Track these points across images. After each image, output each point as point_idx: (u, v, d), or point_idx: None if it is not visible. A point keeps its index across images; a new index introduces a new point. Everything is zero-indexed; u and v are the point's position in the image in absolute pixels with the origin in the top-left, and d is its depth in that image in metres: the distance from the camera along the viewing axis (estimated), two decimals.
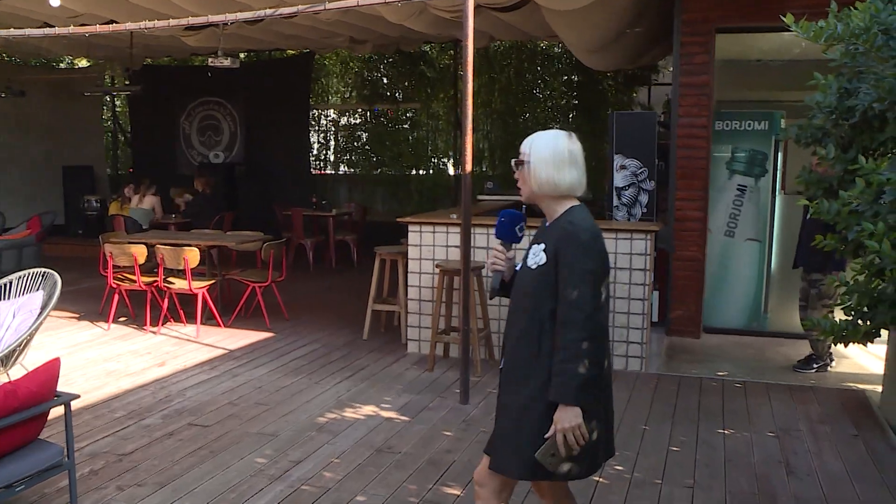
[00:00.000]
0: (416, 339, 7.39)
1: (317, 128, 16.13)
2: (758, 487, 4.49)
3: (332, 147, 16.32)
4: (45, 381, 4.00)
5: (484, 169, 14.56)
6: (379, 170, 15.65)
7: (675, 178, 7.67)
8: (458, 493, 4.36)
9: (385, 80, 15.51)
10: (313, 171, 15.65)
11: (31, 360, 6.98)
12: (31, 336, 5.57)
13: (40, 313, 5.58)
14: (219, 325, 8.28)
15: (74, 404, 5.75)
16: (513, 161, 2.96)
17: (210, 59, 9.68)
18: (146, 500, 4.27)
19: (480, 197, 10.46)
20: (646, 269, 6.68)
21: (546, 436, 2.74)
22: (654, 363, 6.90)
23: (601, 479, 4.52)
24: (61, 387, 5.73)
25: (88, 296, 9.60)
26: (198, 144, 15.38)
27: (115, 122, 17.19)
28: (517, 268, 3.01)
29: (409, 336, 7.46)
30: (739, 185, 7.91)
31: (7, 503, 4.17)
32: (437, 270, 6.90)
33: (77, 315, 8.91)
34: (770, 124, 7.81)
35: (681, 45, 7.61)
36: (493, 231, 6.85)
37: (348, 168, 16.15)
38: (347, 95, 16.17)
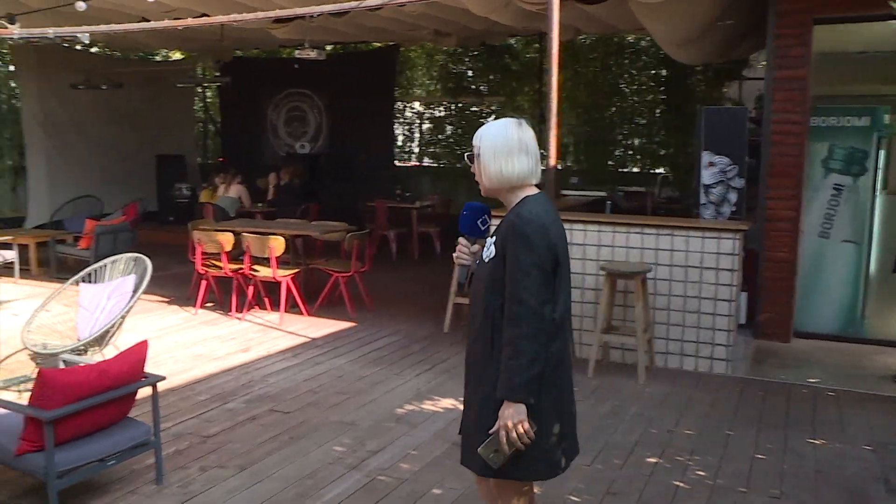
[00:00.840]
0: None
1: (401, 120, 16.23)
2: (852, 503, 4.30)
3: (416, 139, 16.39)
4: (135, 362, 4.12)
5: (569, 164, 14.41)
6: (462, 163, 15.66)
7: (766, 176, 7.43)
8: (535, 490, 4.30)
9: (470, 74, 15.48)
10: (397, 163, 15.75)
11: (123, 342, 7.20)
12: (124, 318, 5.74)
13: (132, 296, 5.74)
14: (302, 314, 8.39)
15: (161, 386, 5.91)
16: (466, 155, 2.91)
17: (297, 51, 9.86)
18: (227, 482, 4.36)
19: (564, 192, 10.34)
20: (733, 270, 6.48)
21: (490, 431, 2.68)
22: (740, 367, 6.69)
23: (682, 484, 4.41)
24: (150, 368, 5.90)
25: (178, 281, 9.86)
26: (284, 135, 15.65)
27: (206, 113, 17.63)
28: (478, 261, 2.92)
29: None
30: (836, 184, 7.59)
31: (100, 476, 4.31)
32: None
33: (167, 299, 9.16)
34: (872, 120, 7.46)
35: (775, 37, 7.34)
36: (576, 226, 6.85)
37: (432, 160, 16.19)
38: (432, 88, 16.21)
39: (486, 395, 2.75)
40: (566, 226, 6.81)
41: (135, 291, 5.79)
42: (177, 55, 16.54)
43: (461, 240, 2.96)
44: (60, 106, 13.26)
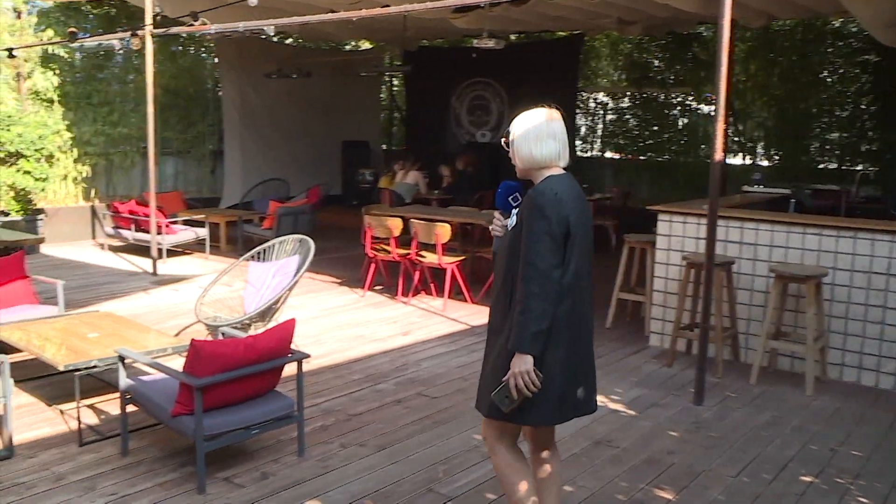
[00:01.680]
0: (658, 333, 7.11)
1: (584, 110, 15.98)
2: None
3: (598, 131, 16.09)
4: (282, 338, 4.30)
5: (758, 160, 13.67)
6: (646, 155, 15.22)
7: None
8: (671, 497, 4.12)
9: (656, 63, 14.98)
10: (579, 154, 15.54)
11: (297, 317, 7.59)
12: (286, 296, 6.03)
13: (294, 275, 6.01)
14: (466, 301, 8.48)
15: (318, 363, 6.24)
16: (502, 140, 3.23)
17: (475, 41, 9.90)
18: (364, 460, 4.48)
19: (746, 189, 9.79)
20: None
21: (503, 379, 2.99)
22: None
23: None
24: (312, 346, 6.18)
25: (352, 263, 10.24)
26: (467, 124, 15.83)
27: (391, 101, 18.15)
28: None
29: (651, 328, 7.19)
30: None
31: (246, 443, 4.56)
32: (684, 262, 6.57)
33: (339, 280, 9.54)
34: None
35: None
36: (747, 225, 6.48)
37: (614, 152, 15.85)
38: (616, 78, 15.84)
39: (501, 348, 3.08)
40: (735, 224, 6.52)
41: (297, 271, 6.05)
42: (365, 45, 17.11)
43: (496, 213, 3.27)
44: (255, 94, 14.11)
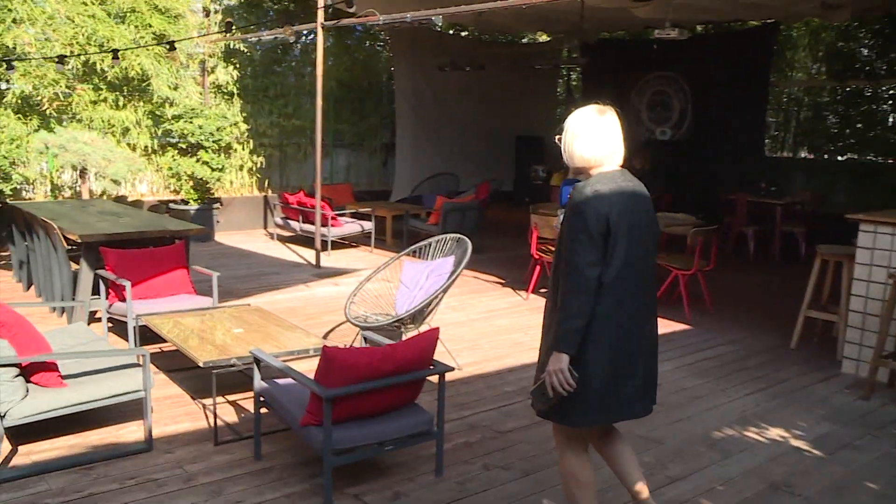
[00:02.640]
0: (854, 359, 6.22)
1: (776, 106, 14.74)
2: None
3: (792, 128, 14.80)
4: (422, 349, 3.95)
5: None
6: (845, 156, 13.82)
7: None
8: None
9: (864, 52, 13.53)
10: (768, 154, 14.36)
11: (450, 319, 7.31)
12: (439, 298, 5.68)
13: (448, 277, 5.66)
14: None
15: (471, 371, 5.87)
16: (555, 138, 3.16)
17: (657, 31, 9.24)
18: (506, 486, 4.06)
19: None
20: None
21: (541, 376, 3.01)
22: None
23: None
24: (467, 351, 5.82)
25: (518, 263, 9.83)
26: (646, 120, 15.02)
27: (568, 95, 17.57)
28: None
29: (845, 353, 6.31)
30: None
31: (381, 458, 4.25)
32: (890, 281, 5.69)
33: (502, 281, 9.15)
34: None
35: None
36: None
37: (809, 152, 14.52)
38: (814, 71, 14.48)
39: (548, 344, 3.05)
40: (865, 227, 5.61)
41: (452, 273, 5.70)
42: (542, 38, 16.63)
43: (560, 212, 3.36)
44: (428, 87, 13.97)
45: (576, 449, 3.18)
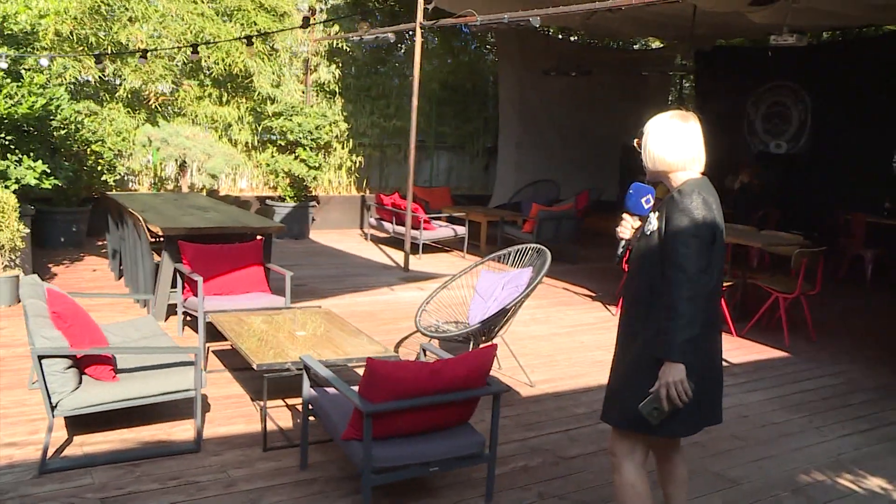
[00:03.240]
0: None
1: None
2: None
3: None
4: (476, 366, 3.72)
5: None
6: None
7: None
8: None
9: None
10: None
11: (531, 333, 7.04)
12: (514, 310, 5.43)
13: (524, 290, 5.40)
14: (730, 333, 7.39)
15: (543, 389, 5.62)
16: (634, 141, 3.11)
17: (773, 37, 8.69)
18: None
19: None
20: None
21: (650, 390, 2.86)
22: None
23: None
24: (545, 366, 5.59)
25: (611, 276, 9.46)
26: (761, 132, 14.27)
27: (679, 104, 16.92)
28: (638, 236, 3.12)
29: None
30: None
31: (430, 478, 4.04)
32: None
33: (593, 294, 8.80)
34: None
35: None
36: None
37: None
38: None
39: (637, 355, 2.97)
40: None
41: (528, 285, 5.43)
42: (655, 45, 16.08)
43: (625, 216, 3.15)
44: (534, 92, 13.66)
45: (637, 460, 3.10)
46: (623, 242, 3.19)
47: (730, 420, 5.19)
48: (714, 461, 4.56)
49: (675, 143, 3.00)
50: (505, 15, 7.92)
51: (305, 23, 9.79)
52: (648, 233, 3.01)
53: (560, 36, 15.09)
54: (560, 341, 6.87)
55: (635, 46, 16.42)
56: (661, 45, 15.73)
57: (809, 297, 7.41)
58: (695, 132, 3.03)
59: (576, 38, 15.39)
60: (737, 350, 6.93)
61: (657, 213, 3.00)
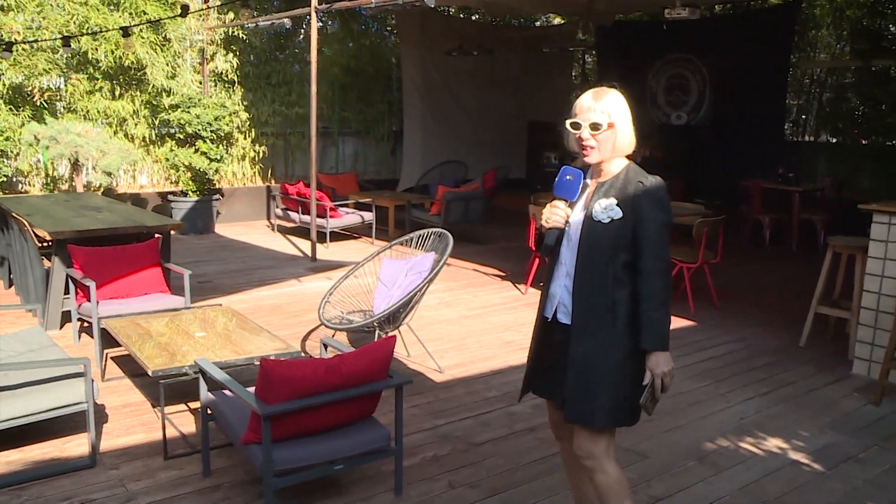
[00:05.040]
0: (865, 359, 5.82)
1: (798, 89, 14.17)
2: None
3: (814, 111, 14.24)
4: (375, 359, 3.64)
5: None
6: (871, 138, 13.23)
7: None
8: None
9: (892, 29, 12.92)
10: (788, 139, 13.83)
11: (440, 317, 7.00)
12: (417, 297, 5.37)
13: (427, 276, 5.34)
14: None
15: (452, 374, 5.57)
16: (589, 124, 2.86)
17: (666, 10, 8.82)
18: None
19: None
20: None
21: (645, 383, 2.83)
22: None
23: None
24: (454, 351, 5.51)
25: (523, 255, 9.47)
26: (663, 104, 14.52)
27: (583, 80, 17.10)
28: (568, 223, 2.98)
29: (856, 353, 5.91)
30: None
31: (340, 475, 3.95)
32: None
33: (503, 274, 8.82)
34: None
35: None
36: None
37: (832, 136, 13.96)
38: (838, 50, 13.89)
39: (605, 350, 2.85)
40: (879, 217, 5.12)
41: (431, 270, 5.38)
42: (556, 21, 16.18)
43: (557, 202, 2.97)
44: (437, 73, 13.58)
45: (613, 454, 3.00)
46: (553, 233, 2.96)
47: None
48: (624, 436, 4.58)
49: (631, 125, 2.91)
50: None
51: (185, 11, 9.43)
52: (607, 220, 2.83)
53: (461, 15, 15.03)
54: (470, 324, 6.85)
55: (536, 23, 16.48)
56: (562, 22, 15.84)
57: (712, 265, 7.57)
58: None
59: (477, 16, 15.36)
60: None
61: (614, 201, 2.83)
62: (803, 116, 14.27)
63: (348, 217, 10.42)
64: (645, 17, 14.99)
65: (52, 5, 9.69)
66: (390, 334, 4.26)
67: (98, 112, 10.43)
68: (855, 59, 13.31)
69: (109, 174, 10.06)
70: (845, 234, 6.62)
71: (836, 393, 5.45)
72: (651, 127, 14.16)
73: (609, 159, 2.91)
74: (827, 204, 11.14)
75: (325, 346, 4.32)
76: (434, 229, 5.86)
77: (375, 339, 5.20)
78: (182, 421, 4.63)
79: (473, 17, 15.32)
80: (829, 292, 6.54)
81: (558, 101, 15.91)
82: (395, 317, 5.36)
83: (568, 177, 2.96)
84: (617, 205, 2.83)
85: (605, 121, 2.84)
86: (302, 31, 12.73)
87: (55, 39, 9.57)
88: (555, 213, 2.95)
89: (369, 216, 10.47)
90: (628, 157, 2.95)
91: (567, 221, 2.95)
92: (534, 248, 7.67)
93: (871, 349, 5.76)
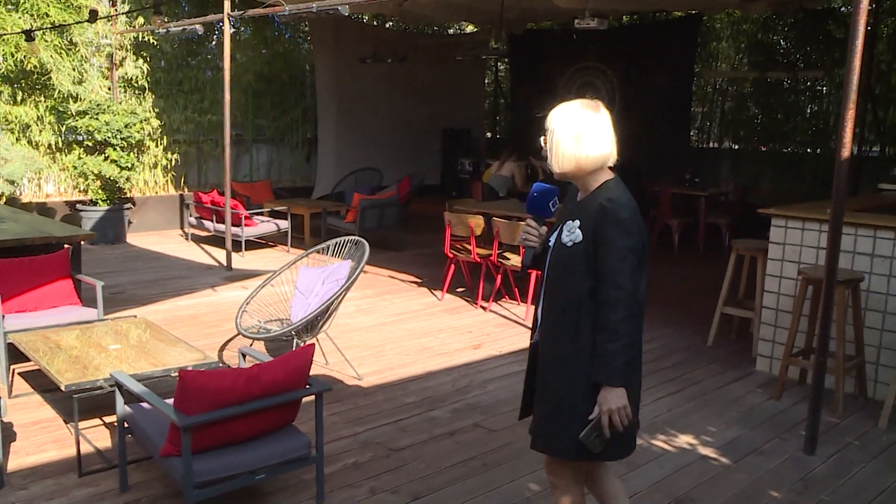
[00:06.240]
0: (767, 356, 6.11)
1: (702, 97, 14.71)
2: None
3: (717, 119, 14.80)
4: (294, 368, 3.66)
5: None
6: (769, 146, 13.83)
7: None
8: None
9: (783, 43, 13.57)
10: (694, 145, 14.34)
11: (357, 324, 7.02)
12: (335, 305, 5.39)
13: (344, 283, 5.37)
14: None
15: (372, 381, 5.61)
16: (541, 138, 2.76)
17: (576, 21, 9.04)
18: None
19: (883, 186, 8.54)
20: None
21: (590, 417, 2.67)
22: None
23: None
24: (372, 358, 5.51)
25: (438, 261, 9.56)
26: None
27: (496, 87, 17.36)
28: (549, 242, 2.85)
29: (759, 351, 6.20)
30: None
31: (262, 484, 3.95)
32: (800, 277, 5.57)
33: (419, 280, 8.89)
34: None
35: None
36: (882, 234, 5.42)
37: (734, 143, 14.52)
38: (737, 62, 14.48)
39: (571, 379, 2.73)
40: (866, 232, 5.49)
41: (348, 278, 5.41)
42: (470, 29, 16.38)
43: (529, 221, 2.89)
44: (352, 80, 13.58)
45: (580, 485, 2.96)
46: (529, 252, 2.91)
47: None
48: None
49: (588, 138, 2.68)
50: (313, 4, 7.82)
51: (93, 17, 9.21)
52: (569, 243, 2.71)
53: (375, 23, 15.07)
54: (387, 331, 6.90)
55: (450, 31, 16.64)
56: (475, 30, 16.03)
57: None
58: (607, 123, 2.74)
59: (391, 24, 15.42)
60: None
61: (577, 223, 2.70)
62: (707, 123, 14.80)
63: (263, 225, 10.34)
64: (556, 27, 15.30)
65: None
66: (308, 343, 4.28)
67: None
68: (752, 71, 13.91)
69: (13, 182, 9.73)
70: (749, 236, 6.92)
71: (740, 389, 5.71)
72: None
73: (575, 175, 2.75)
74: (731, 208, 11.59)
75: (244, 356, 4.31)
76: (350, 237, 5.90)
77: (294, 348, 5.20)
78: (97, 436, 4.54)
79: (387, 25, 15.39)
80: (733, 293, 6.83)
81: (472, 109, 16.12)
82: (312, 325, 5.37)
83: (535, 193, 2.87)
84: (580, 227, 2.69)
85: (549, 129, 2.72)
86: (215, 37, 12.56)
87: None
88: (524, 233, 2.89)
89: (285, 224, 10.41)
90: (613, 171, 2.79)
91: (545, 241, 2.89)
92: (477, 259, 7.76)
93: (773, 346, 6.05)
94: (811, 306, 5.46)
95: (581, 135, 2.68)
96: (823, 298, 4.68)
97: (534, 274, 6.83)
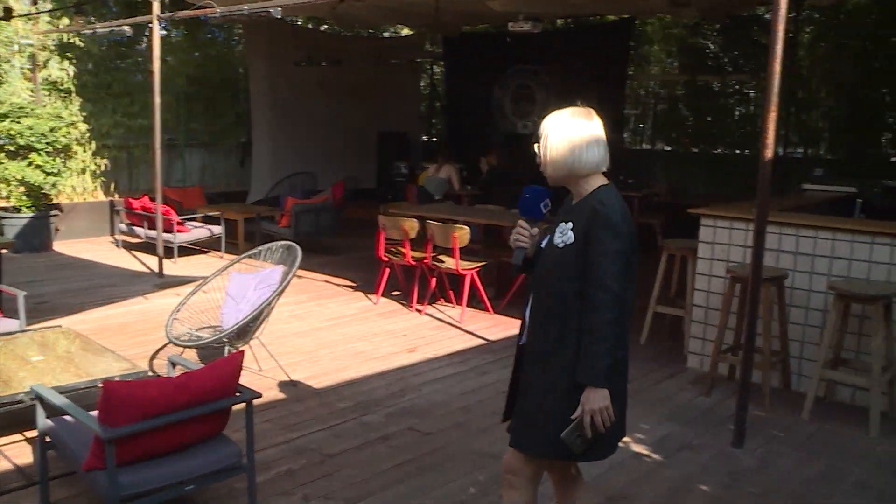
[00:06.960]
0: (698, 354, 6.24)
1: (634, 100, 14.97)
2: None
3: (649, 121, 15.07)
4: (224, 375, 3.60)
5: (821, 152, 12.52)
6: (699, 147, 14.14)
7: None
8: None
9: (711, 48, 13.89)
10: (627, 147, 14.57)
11: (291, 329, 6.95)
12: (267, 311, 5.33)
13: (276, 289, 5.31)
14: (487, 311, 7.71)
15: (305, 386, 5.55)
16: (534, 144, 2.84)
17: (510, 24, 9.10)
18: None
19: (806, 186, 8.80)
20: None
21: (573, 416, 2.69)
22: None
23: None
24: (306, 364, 5.45)
25: (374, 265, 9.51)
26: (511, 114, 14.96)
27: (432, 90, 17.39)
28: (542, 244, 2.89)
29: (690, 348, 6.33)
30: None
31: (189, 494, 3.86)
32: (728, 275, 5.70)
33: (354, 284, 8.84)
34: None
35: None
36: (804, 232, 5.58)
37: (666, 145, 14.81)
38: (668, 66, 14.79)
39: (554, 379, 2.76)
40: (789, 231, 5.64)
41: (280, 283, 5.35)
42: (405, 32, 16.37)
43: (521, 222, 2.92)
44: (286, 83, 13.43)
45: (536, 482, 3.02)
46: (520, 252, 2.92)
47: (491, 396, 5.44)
48: (476, 439, 4.74)
49: (581, 145, 2.76)
50: (245, 6, 7.72)
51: (7, 15, 8.92)
52: (560, 244, 2.75)
53: (310, 26, 14.96)
54: (321, 335, 6.84)
55: (385, 34, 16.61)
56: (410, 33, 16.03)
57: None
58: (600, 130, 2.82)
59: (325, 27, 15.33)
60: (495, 327, 7.24)
61: (570, 225, 2.76)
62: (640, 125, 15.06)
63: (196, 231, 10.16)
64: (491, 30, 15.40)
65: None
66: (241, 349, 4.21)
67: None
68: (683, 74, 14.21)
69: None
70: (680, 236, 7.04)
71: (672, 386, 5.81)
72: (496, 137, 14.56)
73: (568, 180, 2.83)
74: (663, 208, 11.78)
75: (173, 365, 4.23)
76: (282, 242, 5.83)
77: (226, 355, 5.11)
78: (17, 452, 4.40)
79: (322, 28, 15.29)
80: (665, 292, 6.94)
81: (408, 112, 16.10)
82: (244, 331, 5.30)
83: (527, 195, 2.90)
84: (572, 229, 2.74)
85: (542, 136, 2.82)
86: (144, 38, 12.31)
87: None
88: (516, 233, 2.92)
89: (218, 230, 10.24)
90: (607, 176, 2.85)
91: (536, 242, 2.92)
92: (411, 263, 7.73)
93: (703, 344, 6.18)
94: (739, 304, 5.59)
95: (574, 141, 2.76)
96: (750, 295, 4.80)
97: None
